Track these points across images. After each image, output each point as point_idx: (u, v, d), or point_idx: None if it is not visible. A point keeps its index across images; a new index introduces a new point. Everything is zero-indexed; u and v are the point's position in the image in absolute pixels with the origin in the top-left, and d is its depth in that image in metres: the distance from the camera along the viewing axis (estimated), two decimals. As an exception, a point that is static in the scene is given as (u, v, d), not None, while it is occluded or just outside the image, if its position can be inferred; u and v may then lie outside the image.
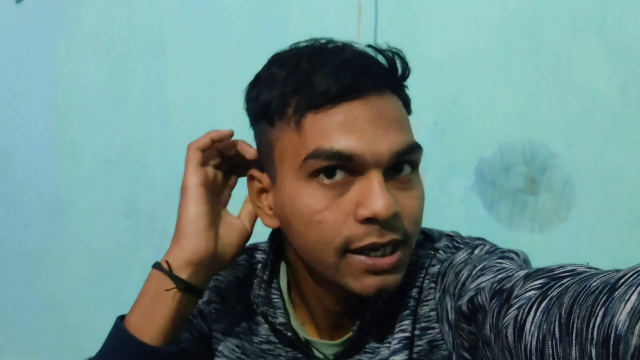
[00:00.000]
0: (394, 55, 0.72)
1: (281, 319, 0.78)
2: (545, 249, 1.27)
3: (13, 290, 1.64)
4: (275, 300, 0.80)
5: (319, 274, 0.72)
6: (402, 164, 0.68)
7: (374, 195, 0.64)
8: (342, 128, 0.66)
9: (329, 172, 0.66)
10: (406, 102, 0.75)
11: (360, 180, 0.66)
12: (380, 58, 0.72)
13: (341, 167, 0.66)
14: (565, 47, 1.26)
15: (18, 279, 1.63)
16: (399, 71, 0.72)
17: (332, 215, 0.66)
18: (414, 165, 0.70)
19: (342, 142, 0.65)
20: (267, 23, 1.42)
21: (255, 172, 0.77)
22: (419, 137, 1.30)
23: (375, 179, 0.65)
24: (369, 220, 0.65)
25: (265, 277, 0.79)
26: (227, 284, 0.85)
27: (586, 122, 1.25)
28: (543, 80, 1.27)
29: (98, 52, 1.53)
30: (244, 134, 1.41)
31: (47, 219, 1.60)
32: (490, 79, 1.31)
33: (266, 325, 0.81)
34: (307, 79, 0.67)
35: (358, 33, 1.32)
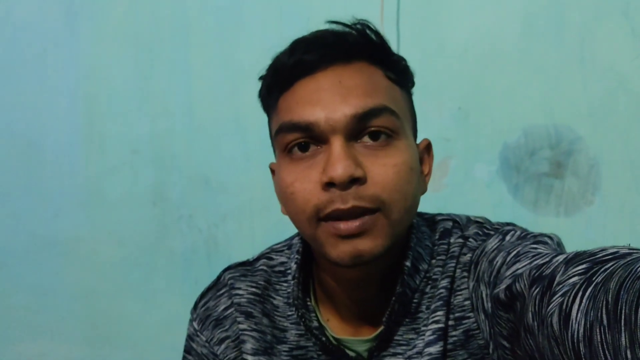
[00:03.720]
0: (363, 27, 0.73)
1: (316, 323, 0.78)
2: (571, 233, 1.27)
3: (45, 278, 1.67)
4: (309, 303, 0.80)
5: (320, 253, 0.73)
6: (379, 133, 0.68)
7: (331, 160, 0.66)
8: (302, 101, 0.69)
9: (302, 146, 0.69)
10: (396, 73, 0.74)
11: (325, 148, 0.68)
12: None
13: (311, 139, 0.68)
14: (590, 29, 1.25)
15: (49, 267, 1.66)
16: (373, 40, 0.73)
17: (302, 185, 0.68)
18: (391, 132, 0.69)
19: (300, 113, 0.68)
20: (289, 12, 1.42)
21: (273, 165, 0.80)
22: (442, 122, 1.30)
23: (334, 145, 0.67)
24: (330, 186, 0.66)
25: (301, 278, 0.79)
26: (248, 297, 0.83)
27: (611, 105, 1.24)
28: (567, 64, 1.26)
29: (124, 44, 1.55)
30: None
31: (77, 208, 1.62)
32: (514, 63, 1.30)
33: (294, 331, 0.81)
34: (275, 63, 0.73)
35: (381, 20, 1.32)
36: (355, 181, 0.66)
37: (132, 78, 1.55)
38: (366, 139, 0.68)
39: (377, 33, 0.73)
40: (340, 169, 0.64)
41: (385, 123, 0.68)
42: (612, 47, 1.23)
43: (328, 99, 0.67)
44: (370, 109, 0.68)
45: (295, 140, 0.69)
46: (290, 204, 0.70)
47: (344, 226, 0.66)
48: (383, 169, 0.67)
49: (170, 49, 1.52)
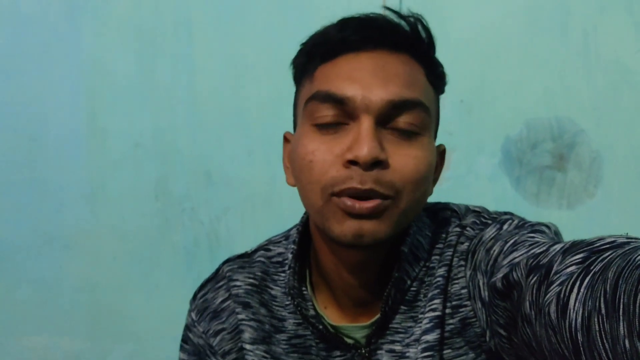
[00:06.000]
0: (415, 21, 0.73)
1: (312, 312, 0.78)
2: (573, 226, 1.27)
3: (48, 272, 1.67)
4: (305, 292, 0.80)
5: (321, 229, 0.73)
6: (408, 124, 0.69)
7: (358, 139, 0.66)
8: (342, 75, 0.69)
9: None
10: (434, 76, 0.75)
11: (353, 125, 0.68)
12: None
13: (341, 114, 0.69)
14: (593, 23, 1.25)
15: (53, 261, 1.66)
16: (423, 37, 0.74)
17: (322, 155, 0.68)
18: (420, 128, 0.70)
19: (338, 86, 0.68)
20: (293, 5, 1.42)
21: (288, 134, 0.80)
22: (445, 115, 1.30)
23: (364, 124, 0.67)
24: (353, 164, 0.66)
25: (297, 268, 0.79)
26: (245, 288, 0.84)
27: (614, 98, 1.24)
28: (571, 57, 1.26)
29: (126, 38, 1.55)
30: (271, 116, 1.42)
31: (80, 202, 1.62)
32: (517, 56, 1.30)
33: (292, 320, 0.81)
34: (323, 34, 0.73)
35: (383, 11, 1.32)
36: (378, 164, 0.67)
37: (135, 72, 1.55)
38: (394, 127, 0.69)
39: (427, 31, 0.74)
40: (366, 149, 0.65)
41: (417, 117, 0.69)
42: (616, 41, 1.23)
43: (369, 79, 0.68)
44: (407, 100, 0.69)
45: (326, 112, 0.69)
46: (306, 172, 0.70)
47: (358, 205, 0.66)
48: (405, 159, 0.68)
49: (173, 43, 1.52)
